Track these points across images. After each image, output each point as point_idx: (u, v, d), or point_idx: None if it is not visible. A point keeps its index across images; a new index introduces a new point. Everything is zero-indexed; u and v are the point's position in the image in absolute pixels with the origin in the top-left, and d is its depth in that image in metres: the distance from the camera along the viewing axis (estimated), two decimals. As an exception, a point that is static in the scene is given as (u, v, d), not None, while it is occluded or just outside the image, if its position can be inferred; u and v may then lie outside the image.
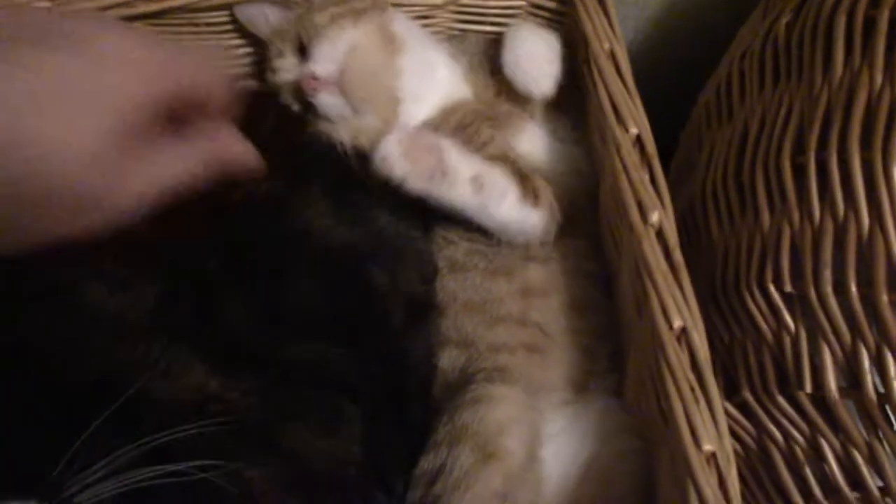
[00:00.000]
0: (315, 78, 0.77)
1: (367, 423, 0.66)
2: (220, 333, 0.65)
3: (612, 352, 0.76)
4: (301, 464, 0.61)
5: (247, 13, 0.84)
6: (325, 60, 0.77)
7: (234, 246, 0.69)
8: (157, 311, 0.65)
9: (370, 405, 0.67)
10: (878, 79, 0.56)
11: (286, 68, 0.81)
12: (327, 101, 0.78)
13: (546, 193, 0.76)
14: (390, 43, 0.80)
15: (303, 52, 0.80)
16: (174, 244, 0.68)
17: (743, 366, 0.67)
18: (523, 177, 0.76)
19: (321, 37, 0.78)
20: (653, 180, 0.66)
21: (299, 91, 0.79)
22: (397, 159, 0.70)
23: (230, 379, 0.61)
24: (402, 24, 0.83)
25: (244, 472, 0.57)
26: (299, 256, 0.70)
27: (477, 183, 0.72)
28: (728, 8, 0.94)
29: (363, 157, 0.76)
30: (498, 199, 0.73)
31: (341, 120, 0.79)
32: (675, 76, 0.92)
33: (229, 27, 0.86)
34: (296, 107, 0.82)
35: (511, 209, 0.74)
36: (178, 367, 0.61)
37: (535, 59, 0.78)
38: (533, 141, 0.81)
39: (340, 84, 0.77)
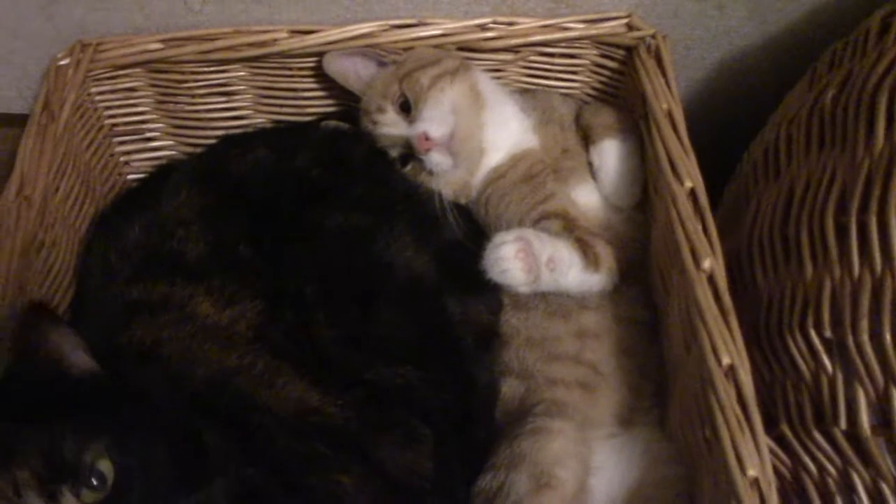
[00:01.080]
0: (428, 139, 0.84)
1: (438, 442, 0.72)
2: (314, 353, 0.72)
3: (655, 390, 0.82)
4: (386, 473, 0.68)
5: (336, 67, 0.91)
6: (437, 122, 0.85)
7: (327, 272, 0.76)
8: (260, 328, 0.72)
9: (441, 425, 0.73)
10: (916, 152, 0.63)
11: (388, 123, 0.88)
12: (437, 159, 0.85)
13: (606, 258, 0.83)
14: (476, 100, 0.88)
15: (405, 108, 0.87)
16: (274, 267, 0.75)
17: (782, 402, 0.73)
18: (585, 245, 0.82)
19: (428, 99, 0.86)
20: (705, 230, 0.73)
21: (405, 146, 0.87)
22: (517, 270, 0.78)
23: (327, 395, 0.68)
24: (484, 82, 0.90)
25: (339, 477, 0.64)
26: (383, 286, 0.78)
27: (551, 263, 0.79)
28: (772, 75, 1.02)
29: (458, 208, 0.86)
30: (566, 272, 0.80)
31: (442, 173, 0.87)
32: (717, 132, 0.99)
33: (321, 71, 0.93)
34: (394, 154, 0.89)
35: (576, 278, 0.81)
36: (281, 380, 0.68)
37: (628, 178, 0.87)
38: (592, 195, 0.88)
39: (449, 144, 0.85)
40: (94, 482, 0.52)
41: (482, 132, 0.88)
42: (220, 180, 0.83)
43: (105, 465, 0.53)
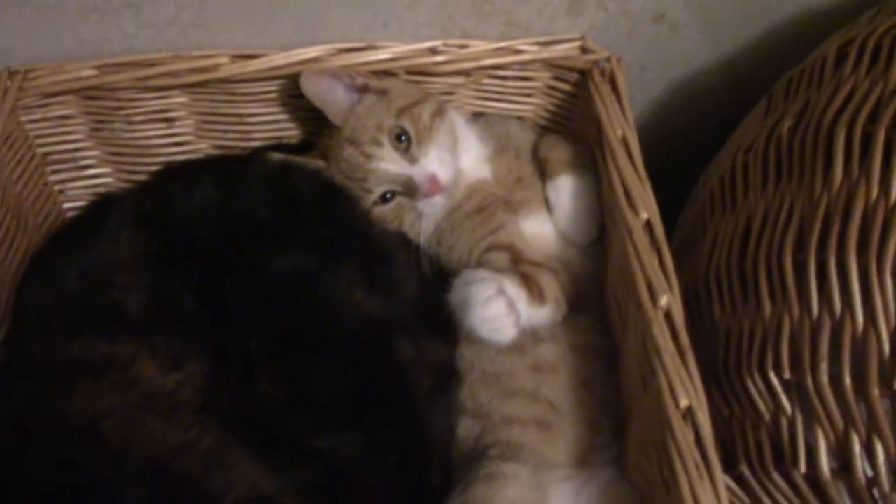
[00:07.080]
0: (437, 181, 0.82)
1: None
2: (261, 419, 0.68)
3: (613, 425, 0.80)
4: None
5: (315, 88, 0.84)
6: (446, 165, 0.83)
7: (270, 322, 0.72)
8: (207, 394, 0.67)
9: (392, 493, 0.71)
10: (874, 192, 0.62)
11: (386, 158, 0.83)
12: (438, 201, 0.84)
13: (551, 289, 0.81)
14: (456, 138, 0.86)
15: (399, 139, 0.83)
16: (220, 320, 0.71)
17: (741, 442, 0.71)
18: (529, 279, 0.80)
19: (434, 139, 0.83)
20: (662, 264, 0.71)
21: (403, 184, 0.83)
22: (510, 327, 0.76)
23: (280, 476, 0.64)
24: (456, 117, 0.88)
25: None
26: (331, 333, 0.73)
27: None
28: (729, 97, 1.01)
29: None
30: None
31: (433, 215, 0.85)
32: (674, 153, 0.98)
33: (267, 97, 0.90)
34: (379, 192, 0.84)
35: (523, 314, 0.78)
36: (231, 458, 0.64)
37: (584, 216, 0.85)
38: (544, 227, 0.86)
39: (449, 186, 0.83)
40: None
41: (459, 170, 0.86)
42: (162, 221, 0.78)
43: None
